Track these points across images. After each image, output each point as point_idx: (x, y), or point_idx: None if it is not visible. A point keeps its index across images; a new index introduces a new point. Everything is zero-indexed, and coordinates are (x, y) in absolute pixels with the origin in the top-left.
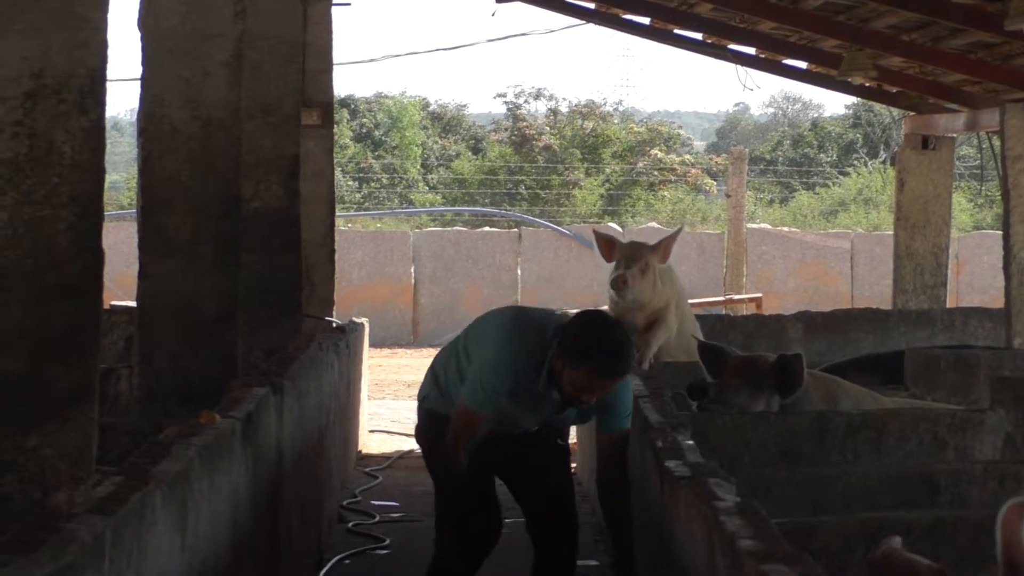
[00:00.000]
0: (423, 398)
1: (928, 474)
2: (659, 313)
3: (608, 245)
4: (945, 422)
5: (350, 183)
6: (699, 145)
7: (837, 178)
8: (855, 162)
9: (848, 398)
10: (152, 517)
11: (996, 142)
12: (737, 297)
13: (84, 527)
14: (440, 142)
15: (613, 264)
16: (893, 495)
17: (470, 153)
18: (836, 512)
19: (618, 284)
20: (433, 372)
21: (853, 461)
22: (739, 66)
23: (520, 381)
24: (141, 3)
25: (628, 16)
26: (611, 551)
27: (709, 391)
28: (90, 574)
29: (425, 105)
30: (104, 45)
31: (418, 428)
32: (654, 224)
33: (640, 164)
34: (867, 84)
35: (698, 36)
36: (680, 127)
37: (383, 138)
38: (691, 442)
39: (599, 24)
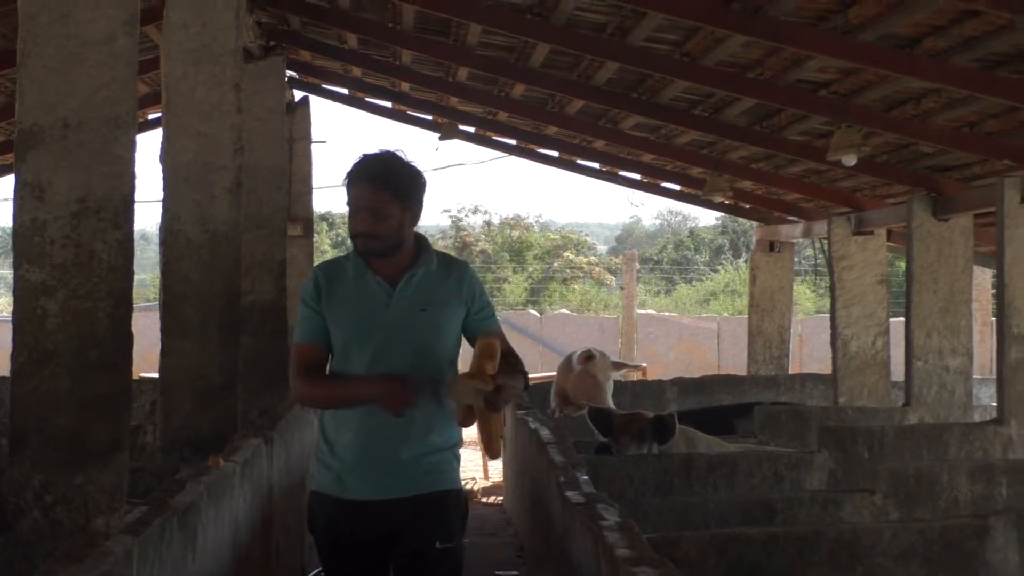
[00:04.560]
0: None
1: (767, 501)
2: None
3: (586, 358)
4: (783, 461)
5: None
6: (602, 248)
7: (709, 274)
8: (723, 261)
9: (701, 443)
10: (170, 537)
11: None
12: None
13: (118, 544)
14: None
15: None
16: (741, 517)
17: None
18: (697, 530)
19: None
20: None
21: (713, 492)
22: (628, 188)
23: (332, 283)
24: (162, 143)
25: (541, 150)
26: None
27: (612, 449)
28: None
29: None
30: (133, 176)
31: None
32: (564, 311)
33: (555, 264)
34: (726, 202)
35: (595, 165)
36: (587, 235)
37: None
38: (586, 477)
39: (518, 156)
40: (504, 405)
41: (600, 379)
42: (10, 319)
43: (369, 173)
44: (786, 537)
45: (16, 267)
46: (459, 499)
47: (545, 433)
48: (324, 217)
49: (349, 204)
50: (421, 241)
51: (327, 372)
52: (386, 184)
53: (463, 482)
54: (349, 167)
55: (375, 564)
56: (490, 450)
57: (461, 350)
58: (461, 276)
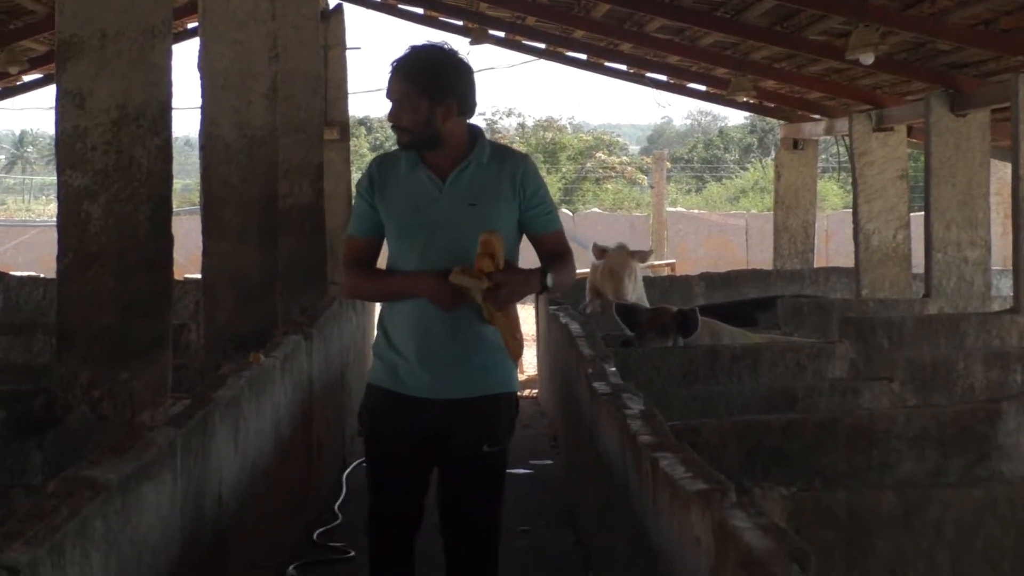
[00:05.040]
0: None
1: (789, 390)
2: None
3: (599, 251)
4: (805, 352)
5: None
6: (634, 149)
7: (739, 172)
8: (752, 159)
9: (726, 335)
10: (212, 429)
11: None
12: (657, 263)
13: (161, 435)
14: None
15: (602, 262)
16: (763, 405)
17: None
18: (719, 418)
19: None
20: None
21: (736, 382)
22: (655, 89)
23: (385, 176)
24: (200, 50)
25: (570, 53)
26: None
27: (634, 344)
28: (166, 469)
29: None
30: (170, 84)
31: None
32: (596, 210)
33: (588, 164)
34: (750, 101)
35: (623, 67)
36: (619, 136)
37: (393, 147)
38: (614, 369)
39: (548, 59)
40: (505, 304)
41: (617, 271)
42: (55, 223)
43: (401, 66)
44: (804, 423)
45: (59, 172)
46: (510, 402)
47: (575, 327)
48: (363, 122)
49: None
50: (476, 134)
51: (384, 266)
52: (412, 76)
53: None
54: None
55: (420, 465)
56: (508, 349)
57: (524, 251)
58: (515, 169)
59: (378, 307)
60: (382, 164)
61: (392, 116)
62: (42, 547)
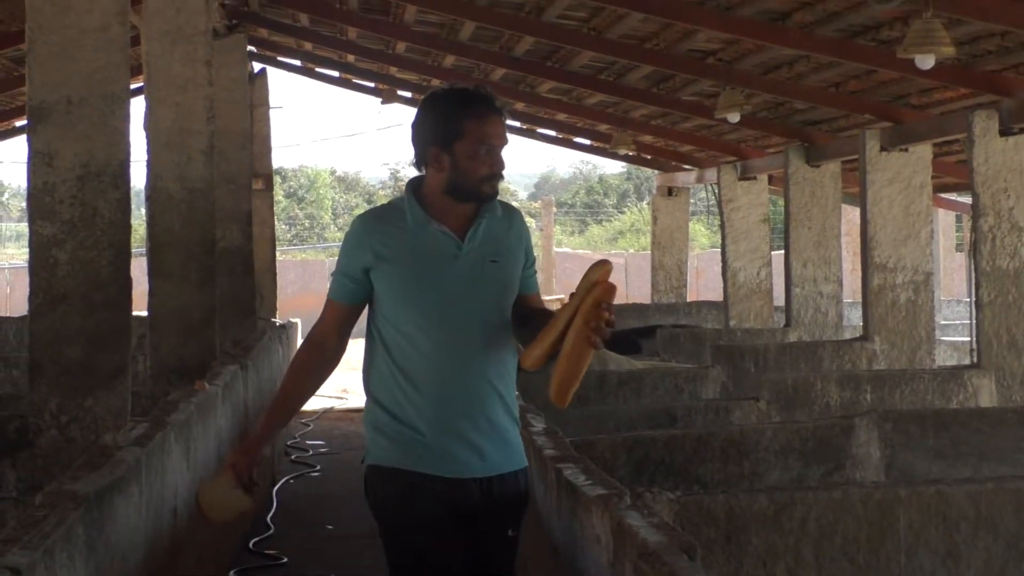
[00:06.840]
0: (364, 459)
1: (669, 409)
2: None
3: None
4: (683, 375)
5: (282, 227)
6: (523, 195)
7: (617, 215)
8: (629, 204)
9: (612, 362)
10: (169, 448)
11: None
12: (548, 298)
13: (129, 454)
14: (344, 197)
15: None
16: (647, 423)
17: (365, 204)
18: (610, 434)
19: None
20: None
21: (623, 403)
22: (545, 143)
23: (386, 234)
24: (145, 112)
25: None
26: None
27: None
28: (134, 483)
29: (333, 172)
30: (128, 144)
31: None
32: None
33: None
34: (630, 153)
35: (516, 124)
36: (509, 183)
37: (304, 195)
38: (516, 392)
39: None
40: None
41: None
42: (26, 267)
43: (497, 106)
44: (684, 438)
45: (31, 223)
46: (528, 480)
47: None
48: (277, 171)
49: (478, 139)
50: None
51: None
52: (504, 119)
53: None
54: (462, 99)
55: (460, 554)
56: (567, 395)
57: None
58: (521, 226)
59: (299, 341)
60: (377, 221)
61: (500, 163)
62: (37, 551)
